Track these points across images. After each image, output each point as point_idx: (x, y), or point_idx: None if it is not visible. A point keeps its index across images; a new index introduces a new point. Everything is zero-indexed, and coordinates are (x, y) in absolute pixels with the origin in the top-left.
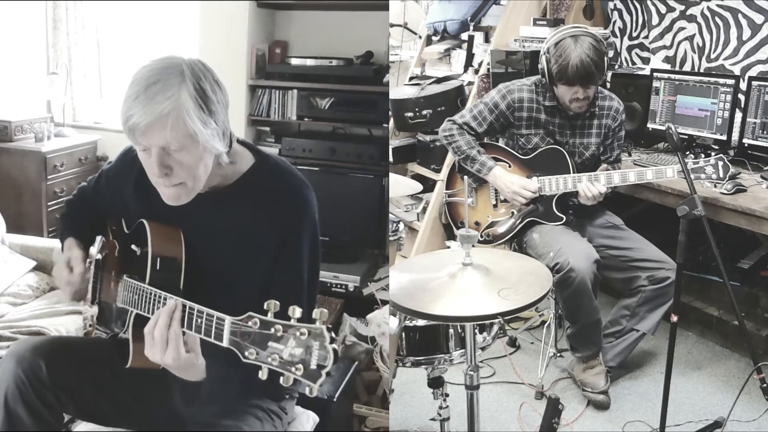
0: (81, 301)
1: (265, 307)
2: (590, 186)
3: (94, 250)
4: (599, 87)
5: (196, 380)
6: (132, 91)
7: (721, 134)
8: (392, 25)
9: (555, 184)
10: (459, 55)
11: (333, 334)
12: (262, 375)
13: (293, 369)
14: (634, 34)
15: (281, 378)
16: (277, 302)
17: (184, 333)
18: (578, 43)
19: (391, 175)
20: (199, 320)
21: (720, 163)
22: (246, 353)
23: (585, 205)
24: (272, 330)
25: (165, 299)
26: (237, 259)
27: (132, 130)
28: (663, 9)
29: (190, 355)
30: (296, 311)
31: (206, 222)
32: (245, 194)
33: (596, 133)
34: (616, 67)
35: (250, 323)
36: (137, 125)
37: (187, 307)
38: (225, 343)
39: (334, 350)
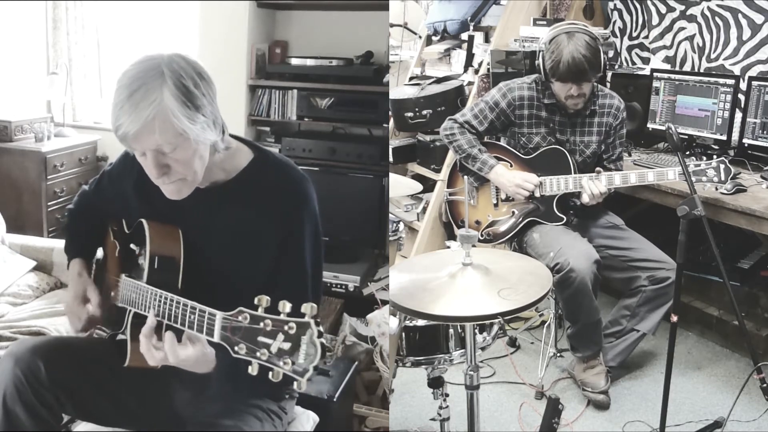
0: (86, 332)
1: (255, 302)
2: (594, 183)
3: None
4: (600, 85)
5: (206, 371)
6: (118, 99)
7: (721, 134)
8: (392, 25)
9: (556, 184)
10: (459, 55)
11: (321, 328)
12: (252, 370)
13: (281, 363)
14: (634, 34)
15: (270, 373)
16: (268, 297)
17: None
18: (572, 40)
19: (391, 175)
20: (192, 316)
21: (722, 166)
22: (236, 348)
23: (586, 206)
24: (261, 325)
25: (163, 297)
26: (238, 256)
27: (123, 138)
28: (663, 9)
29: (196, 347)
30: (286, 306)
31: (207, 219)
32: (245, 189)
33: (597, 131)
34: (616, 67)
35: (240, 318)
36: (127, 134)
37: (182, 304)
38: (216, 338)
39: (322, 344)
